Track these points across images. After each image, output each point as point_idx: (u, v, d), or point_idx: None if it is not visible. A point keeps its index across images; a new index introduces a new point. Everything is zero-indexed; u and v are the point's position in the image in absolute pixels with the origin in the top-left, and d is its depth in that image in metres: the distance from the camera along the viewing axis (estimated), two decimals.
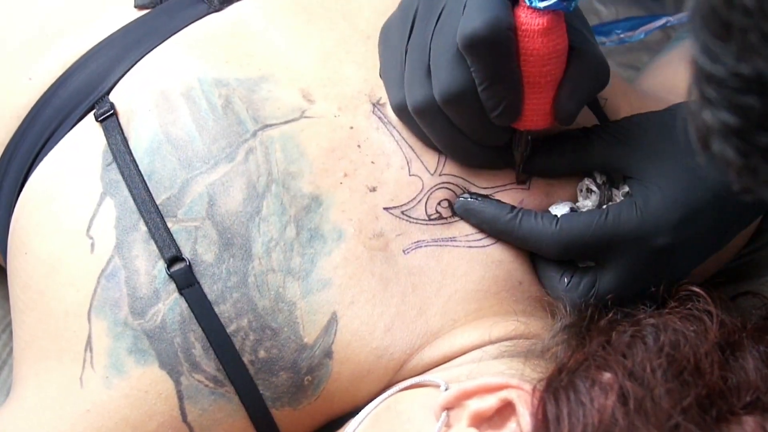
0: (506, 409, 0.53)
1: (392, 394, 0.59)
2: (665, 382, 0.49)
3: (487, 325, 0.61)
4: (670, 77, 0.84)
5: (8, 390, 0.71)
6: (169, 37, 0.68)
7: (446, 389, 0.55)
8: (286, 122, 0.63)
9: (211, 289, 0.59)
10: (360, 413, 0.58)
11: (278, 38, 0.68)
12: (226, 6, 0.70)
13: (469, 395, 0.53)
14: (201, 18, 0.69)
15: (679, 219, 0.59)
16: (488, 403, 0.52)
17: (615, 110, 0.70)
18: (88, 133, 0.65)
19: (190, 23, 0.68)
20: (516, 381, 0.53)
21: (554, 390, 0.51)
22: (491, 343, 0.60)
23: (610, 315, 0.57)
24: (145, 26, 0.69)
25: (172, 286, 0.59)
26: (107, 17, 0.70)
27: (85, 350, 0.60)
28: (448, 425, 0.53)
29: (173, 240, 0.60)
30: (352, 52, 0.67)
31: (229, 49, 0.67)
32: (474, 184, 0.64)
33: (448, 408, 0.54)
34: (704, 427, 0.48)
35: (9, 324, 0.80)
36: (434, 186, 0.63)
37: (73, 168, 0.64)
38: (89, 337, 0.60)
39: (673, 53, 0.90)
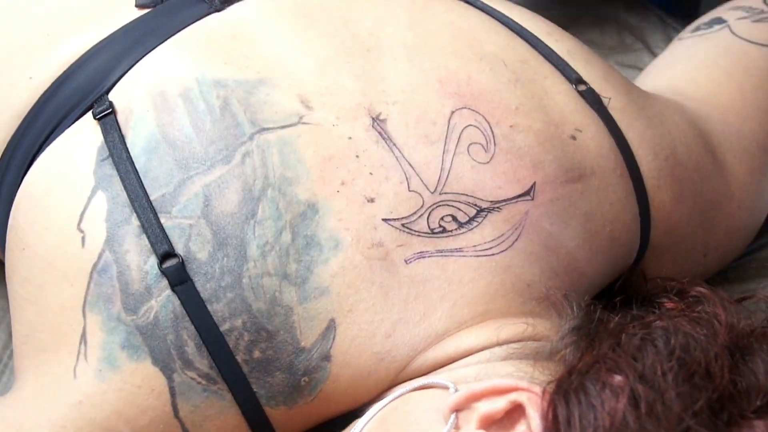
0: (515, 412, 0.52)
1: (400, 395, 0.58)
2: (676, 386, 0.49)
3: (495, 327, 0.60)
4: (675, 78, 0.85)
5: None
6: (170, 37, 0.67)
7: (455, 391, 0.55)
8: (283, 127, 0.62)
9: (204, 287, 0.58)
10: (366, 414, 0.58)
11: (278, 42, 0.67)
12: (227, 6, 0.70)
13: (478, 397, 0.53)
14: (201, 18, 0.69)
15: None
16: (498, 405, 0.52)
17: (618, 109, 0.70)
18: (85, 131, 0.65)
19: (190, 23, 0.68)
20: (525, 383, 0.52)
21: (564, 392, 0.50)
22: (498, 344, 0.60)
23: (619, 317, 0.57)
24: (146, 26, 0.69)
25: (165, 282, 0.59)
26: (108, 16, 0.70)
27: (80, 343, 0.60)
28: (456, 427, 0.53)
29: (166, 236, 0.59)
30: (351, 62, 0.67)
31: (228, 50, 0.66)
32: (480, 198, 0.63)
33: (457, 410, 0.53)
34: (715, 431, 0.48)
35: (9, 324, 0.81)
36: (435, 203, 0.62)
37: (68, 164, 0.64)
38: (84, 330, 0.60)
39: (676, 53, 0.90)
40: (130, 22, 0.69)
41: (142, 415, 0.59)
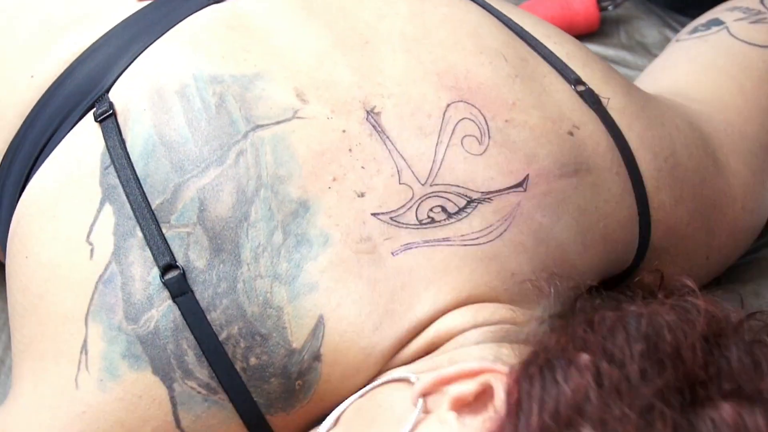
0: (486, 393, 0.52)
1: (373, 388, 0.58)
2: (642, 365, 0.48)
3: (473, 310, 0.60)
4: (675, 79, 0.84)
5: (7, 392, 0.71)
6: (169, 30, 0.68)
7: (417, 380, 0.54)
8: (277, 123, 0.62)
9: (202, 296, 0.59)
10: (340, 405, 0.58)
11: (276, 34, 0.68)
12: None
13: (447, 381, 0.53)
14: (201, 9, 0.69)
15: None
16: (468, 387, 0.51)
17: (618, 109, 0.70)
18: (87, 135, 0.65)
19: (189, 15, 0.69)
20: (495, 365, 0.52)
21: (530, 371, 0.49)
22: (476, 326, 0.59)
23: (597, 302, 0.56)
24: (145, 19, 0.69)
25: (166, 293, 0.59)
26: (108, 11, 0.70)
27: (81, 352, 0.60)
28: (426, 411, 0.53)
29: (168, 247, 0.60)
30: (348, 55, 0.67)
31: (225, 43, 0.67)
32: (471, 189, 0.63)
33: (426, 394, 0.53)
34: (679, 410, 0.46)
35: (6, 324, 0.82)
36: (425, 195, 0.62)
37: (73, 172, 0.64)
38: (85, 340, 0.60)
39: (675, 55, 0.90)
40: (130, 16, 0.69)
41: (145, 425, 0.59)
